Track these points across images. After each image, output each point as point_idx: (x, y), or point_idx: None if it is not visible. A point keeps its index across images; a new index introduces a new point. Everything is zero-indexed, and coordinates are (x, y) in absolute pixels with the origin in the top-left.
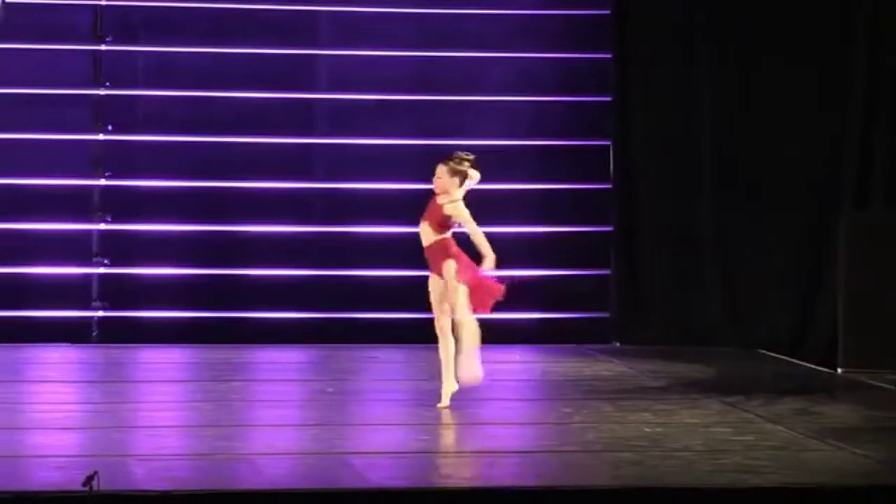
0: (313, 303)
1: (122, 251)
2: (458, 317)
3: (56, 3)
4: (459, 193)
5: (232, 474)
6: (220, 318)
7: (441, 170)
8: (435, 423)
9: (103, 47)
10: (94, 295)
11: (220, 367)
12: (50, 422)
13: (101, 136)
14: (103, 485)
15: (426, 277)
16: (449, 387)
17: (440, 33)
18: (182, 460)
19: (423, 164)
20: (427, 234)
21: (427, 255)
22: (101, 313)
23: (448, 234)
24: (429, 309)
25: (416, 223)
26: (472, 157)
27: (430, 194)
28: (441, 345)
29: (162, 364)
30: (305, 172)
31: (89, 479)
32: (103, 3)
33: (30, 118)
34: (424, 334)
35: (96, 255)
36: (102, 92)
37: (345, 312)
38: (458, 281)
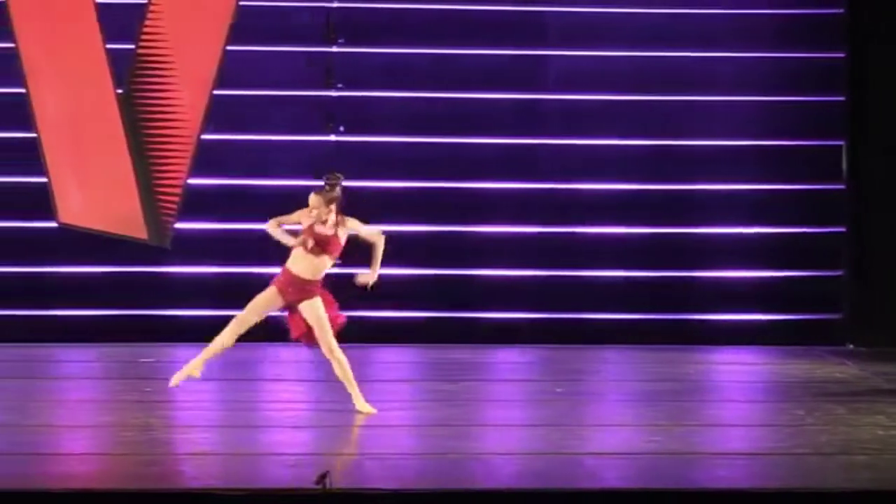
0: (541, 303)
1: (355, 251)
2: (332, 353)
3: (289, 6)
4: (333, 216)
5: (463, 474)
6: (449, 319)
7: (314, 199)
8: (666, 424)
9: (335, 49)
10: None
11: (451, 366)
12: (284, 420)
13: (332, 137)
14: (335, 483)
15: (647, 278)
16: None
17: (668, 33)
18: (413, 459)
19: (649, 165)
20: (313, 269)
21: (298, 284)
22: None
23: None
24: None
25: (642, 223)
26: (340, 176)
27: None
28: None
29: (393, 364)
30: (532, 173)
31: (322, 477)
32: (335, 5)
33: (263, 120)
34: (656, 336)
35: None
36: (334, 94)
37: (571, 313)
38: (328, 319)
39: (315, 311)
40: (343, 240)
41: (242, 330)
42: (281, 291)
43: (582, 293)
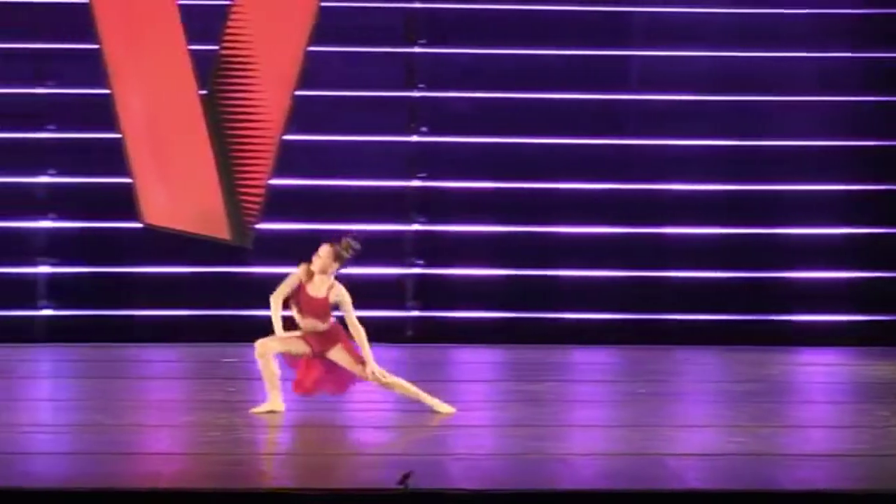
0: (623, 304)
1: (436, 252)
2: (386, 381)
3: (371, 7)
4: (331, 278)
5: (545, 474)
6: (532, 319)
7: (326, 250)
8: (749, 425)
9: (417, 49)
10: (409, 295)
11: (533, 367)
12: (366, 420)
13: (415, 138)
14: (418, 483)
15: (729, 278)
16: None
17: (750, 32)
18: (496, 460)
19: (731, 165)
20: (312, 325)
21: (314, 336)
22: (415, 313)
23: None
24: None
25: (724, 224)
26: (359, 247)
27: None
28: (259, 364)
29: (475, 364)
30: (616, 173)
31: (405, 477)
32: (417, 6)
33: (345, 120)
34: (738, 336)
35: (411, 256)
36: (416, 94)
37: (653, 313)
38: (361, 360)
39: (345, 354)
40: (331, 302)
41: (271, 355)
42: (304, 339)
43: (664, 293)
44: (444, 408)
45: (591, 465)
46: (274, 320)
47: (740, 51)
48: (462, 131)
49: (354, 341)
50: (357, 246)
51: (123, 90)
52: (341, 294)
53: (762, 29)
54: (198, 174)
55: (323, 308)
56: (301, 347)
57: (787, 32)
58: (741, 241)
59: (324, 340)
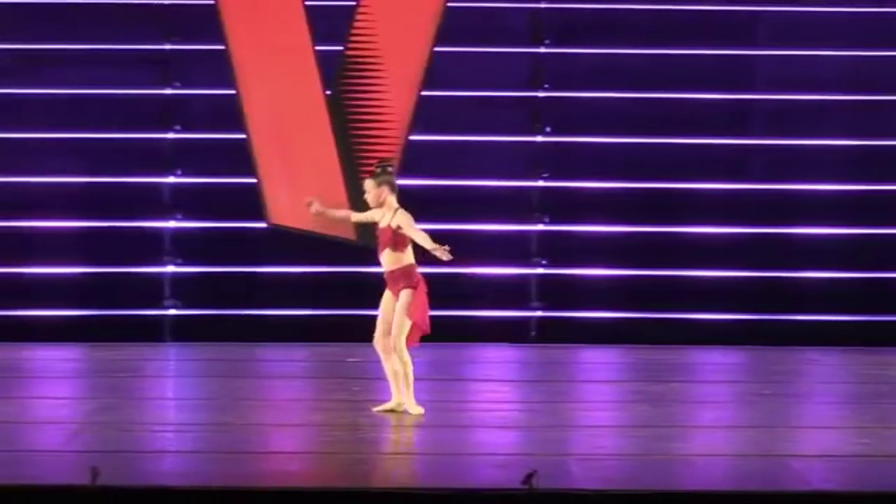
0: (748, 304)
1: (561, 252)
2: (394, 346)
3: (496, 7)
4: (394, 199)
5: (668, 475)
6: (656, 319)
7: (368, 184)
8: (874, 426)
9: (542, 49)
10: (533, 295)
11: (656, 367)
12: (490, 420)
13: (539, 138)
14: (542, 483)
15: (853, 279)
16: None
17: (877, 33)
18: (619, 460)
19: (859, 165)
20: (388, 260)
21: (388, 277)
22: (539, 313)
23: (411, 258)
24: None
25: (851, 224)
26: (391, 161)
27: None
28: (384, 361)
29: (599, 364)
30: (742, 173)
31: (529, 477)
32: (542, 6)
33: (470, 120)
34: (863, 337)
35: (535, 256)
36: (541, 94)
37: (778, 314)
38: (409, 316)
39: (399, 302)
40: (394, 226)
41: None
42: (387, 287)
43: (789, 294)
44: (415, 409)
45: (714, 465)
46: (336, 213)
47: (868, 51)
48: (586, 131)
49: (420, 297)
50: (388, 163)
51: (250, 91)
52: (400, 217)
53: (889, 28)
54: (323, 174)
55: (389, 236)
56: (389, 306)
57: None
58: (867, 241)
59: (393, 283)
